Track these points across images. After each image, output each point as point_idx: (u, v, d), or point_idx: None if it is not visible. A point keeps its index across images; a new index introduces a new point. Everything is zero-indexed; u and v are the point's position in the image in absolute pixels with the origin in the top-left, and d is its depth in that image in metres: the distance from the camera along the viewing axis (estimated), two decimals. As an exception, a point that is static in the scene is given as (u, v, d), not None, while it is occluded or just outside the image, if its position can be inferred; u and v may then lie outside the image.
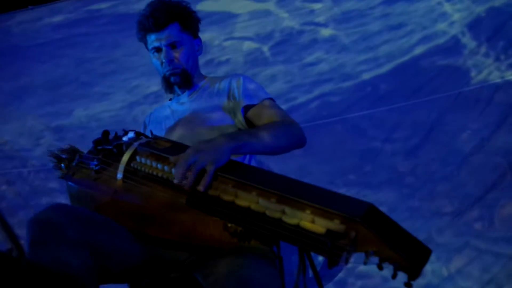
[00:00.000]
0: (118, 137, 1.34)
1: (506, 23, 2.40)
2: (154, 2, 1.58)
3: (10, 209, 2.71)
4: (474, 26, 2.46)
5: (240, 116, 1.50)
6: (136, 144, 1.25)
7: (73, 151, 1.41)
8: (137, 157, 1.21)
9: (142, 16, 1.57)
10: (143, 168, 1.18)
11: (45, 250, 1.02)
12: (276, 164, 2.23)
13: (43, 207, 1.11)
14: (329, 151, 2.53)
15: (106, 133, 1.38)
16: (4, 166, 2.92)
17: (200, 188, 1.06)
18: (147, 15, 1.55)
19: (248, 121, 1.50)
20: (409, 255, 0.84)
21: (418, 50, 2.59)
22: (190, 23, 1.61)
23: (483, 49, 2.41)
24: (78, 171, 1.32)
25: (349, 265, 2.18)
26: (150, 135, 1.33)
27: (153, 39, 1.57)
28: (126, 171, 1.22)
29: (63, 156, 1.39)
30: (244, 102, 1.50)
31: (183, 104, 1.63)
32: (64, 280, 0.96)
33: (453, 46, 2.50)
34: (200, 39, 1.68)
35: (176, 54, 1.58)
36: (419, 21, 2.64)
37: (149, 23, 1.55)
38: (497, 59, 2.38)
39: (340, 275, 2.25)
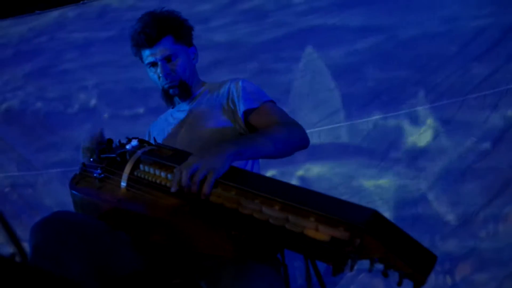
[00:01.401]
0: (121, 145, 1.34)
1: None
2: (145, 17, 1.56)
3: (13, 212, 2.71)
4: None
5: (240, 121, 1.49)
6: (139, 152, 1.25)
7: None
8: (141, 166, 1.21)
9: (134, 32, 1.56)
10: (146, 177, 1.18)
11: (47, 255, 1.03)
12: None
13: (46, 213, 1.12)
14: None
15: (109, 141, 1.38)
16: (8, 169, 2.93)
17: (201, 196, 1.05)
18: (139, 31, 1.54)
19: (249, 125, 1.49)
20: (415, 262, 0.83)
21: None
22: (183, 33, 1.59)
23: (488, 56, 2.40)
24: (82, 179, 1.32)
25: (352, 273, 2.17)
26: (153, 143, 1.33)
27: (147, 55, 1.56)
28: (129, 179, 1.21)
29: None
30: (244, 107, 1.49)
31: (183, 111, 1.63)
32: (65, 285, 0.96)
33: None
34: (194, 47, 1.66)
35: (172, 66, 1.56)
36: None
37: (142, 39, 1.53)
38: (503, 66, 2.37)
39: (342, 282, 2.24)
